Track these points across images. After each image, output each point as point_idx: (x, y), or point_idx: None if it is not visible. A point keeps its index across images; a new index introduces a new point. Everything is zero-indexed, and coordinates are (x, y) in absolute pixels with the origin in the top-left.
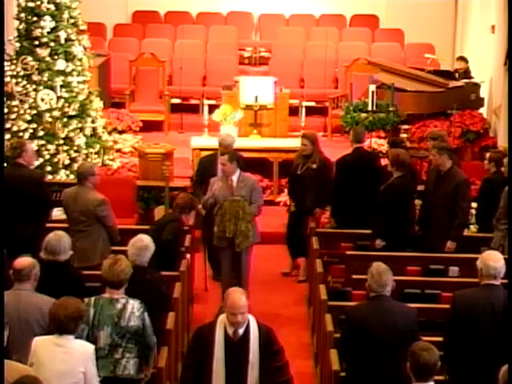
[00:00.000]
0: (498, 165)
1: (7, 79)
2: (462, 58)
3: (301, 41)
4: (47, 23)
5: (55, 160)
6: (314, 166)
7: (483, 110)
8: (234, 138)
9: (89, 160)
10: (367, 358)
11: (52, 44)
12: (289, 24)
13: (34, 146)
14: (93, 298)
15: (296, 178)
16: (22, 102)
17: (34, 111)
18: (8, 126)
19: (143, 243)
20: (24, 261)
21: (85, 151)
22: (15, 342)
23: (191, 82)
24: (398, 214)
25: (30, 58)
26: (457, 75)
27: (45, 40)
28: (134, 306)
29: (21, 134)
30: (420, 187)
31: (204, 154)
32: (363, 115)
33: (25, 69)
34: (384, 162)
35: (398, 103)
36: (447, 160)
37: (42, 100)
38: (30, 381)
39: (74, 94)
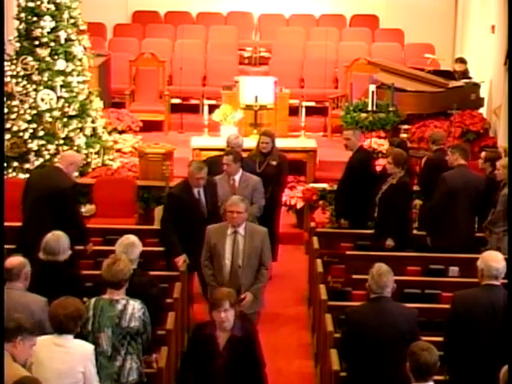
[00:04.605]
0: (494, 165)
1: (7, 79)
2: (461, 60)
3: (301, 41)
4: (47, 23)
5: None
6: (274, 162)
7: (483, 110)
8: (242, 139)
9: (89, 160)
10: (367, 358)
11: (52, 44)
12: (289, 24)
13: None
14: (93, 300)
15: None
16: (22, 101)
17: (34, 111)
18: (8, 125)
19: (129, 241)
20: (14, 260)
21: (85, 151)
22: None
23: (191, 82)
24: (406, 213)
25: (30, 58)
26: (456, 76)
27: (45, 40)
28: (134, 306)
29: (21, 134)
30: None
31: (209, 154)
32: (363, 115)
33: (25, 69)
34: (384, 162)
35: (398, 103)
36: (459, 158)
37: (42, 100)
38: (29, 381)
39: (74, 94)
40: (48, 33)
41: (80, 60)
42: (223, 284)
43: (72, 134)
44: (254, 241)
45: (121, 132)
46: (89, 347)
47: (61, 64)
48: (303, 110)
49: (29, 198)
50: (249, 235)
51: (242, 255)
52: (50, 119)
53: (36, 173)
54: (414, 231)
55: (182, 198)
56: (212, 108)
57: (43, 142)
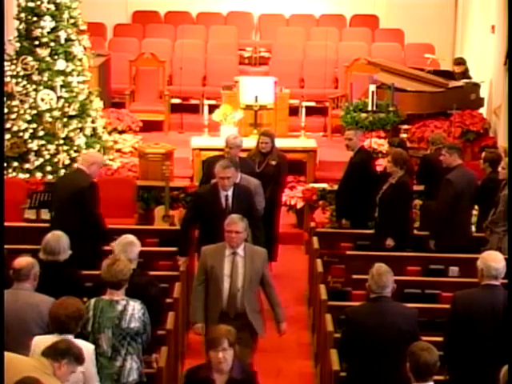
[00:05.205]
0: (493, 165)
1: (7, 79)
2: (460, 62)
3: (301, 41)
4: (47, 23)
5: (55, 160)
6: (274, 162)
7: (483, 110)
8: (240, 139)
9: None
10: (367, 358)
11: (52, 44)
12: (289, 24)
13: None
14: (93, 301)
15: (256, 176)
16: (22, 102)
17: (34, 111)
18: (8, 126)
19: (128, 240)
20: (23, 260)
21: (85, 151)
22: (13, 341)
23: (191, 82)
24: (406, 213)
25: (30, 58)
26: (456, 77)
27: (45, 40)
28: (134, 307)
29: (21, 133)
30: (419, 187)
31: (209, 154)
32: (363, 115)
33: (25, 69)
34: (384, 162)
35: (398, 103)
36: (457, 158)
37: (42, 100)
38: (30, 381)
39: (74, 94)
40: (48, 33)
41: (80, 60)
42: (221, 310)
43: (72, 134)
44: (254, 263)
45: (121, 132)
46: (89, 347)
47: (61, 64)
48: (303, 109)
49: (55, 201)
50: (249, 257)
51: (243, 278)
52: (50, 119)
53: (61, 176)
54: (415, 231)
55: (206, 198)
56: (212, 108)
57: (43, 141)
